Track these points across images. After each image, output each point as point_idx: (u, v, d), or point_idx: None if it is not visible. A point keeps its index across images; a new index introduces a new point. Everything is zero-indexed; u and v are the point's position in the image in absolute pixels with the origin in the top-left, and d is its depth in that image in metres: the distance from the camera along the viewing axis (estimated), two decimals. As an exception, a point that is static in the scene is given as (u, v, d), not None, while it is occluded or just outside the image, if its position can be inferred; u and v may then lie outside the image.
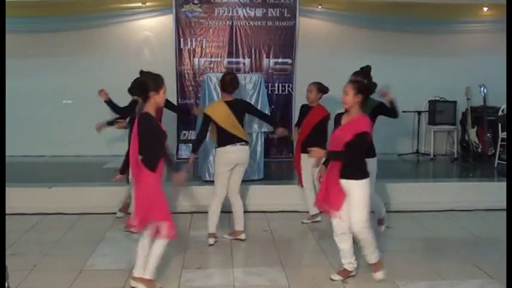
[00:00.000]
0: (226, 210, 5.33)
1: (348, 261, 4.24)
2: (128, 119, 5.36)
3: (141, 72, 4.36)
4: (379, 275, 4.26)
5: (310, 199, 5.62)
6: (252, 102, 6.49)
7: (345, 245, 4.21)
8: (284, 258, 4.79)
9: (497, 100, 8.28)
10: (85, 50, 8.50)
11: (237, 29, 8.42)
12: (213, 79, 6.82)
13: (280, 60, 8.51)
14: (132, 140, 3.85)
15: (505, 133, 7.69)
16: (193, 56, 8.43)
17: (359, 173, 4.05)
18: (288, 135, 5.92)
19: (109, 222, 5.80)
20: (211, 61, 8.45)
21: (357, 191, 4.04)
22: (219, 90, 6.80)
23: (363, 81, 4.42)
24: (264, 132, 6.95)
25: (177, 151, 8.53)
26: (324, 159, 4.25)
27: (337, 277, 4.24)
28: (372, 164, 4.56)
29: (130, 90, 5.16)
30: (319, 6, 8.69)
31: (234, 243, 5.17)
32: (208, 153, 6.58)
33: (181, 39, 8.39)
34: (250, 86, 6.96)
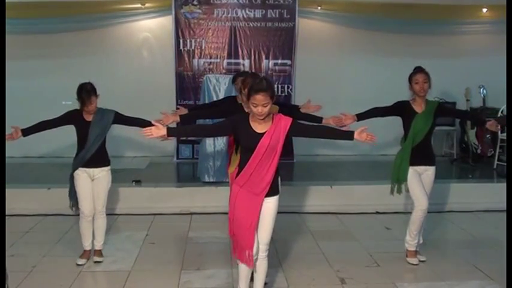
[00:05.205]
0: (224, 212, 5.31)
1: None
2: None
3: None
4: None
5: None
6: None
7: None
8: (283, 259, 4.80)
9: (496, 101, 8.28)
10: (84, 51, 8.49)
11: (237, 30, 8.42)
12: (213, 80, 6.83)
13: (279, 61, 8.52)
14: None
15: (505, 134, 7.69)
16: (193, 57, 8.44)
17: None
18: None
19: (108, 223, 5.79)
20: (210, 62, 8.46)
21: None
22: (218, 91, 6.83)
23: None
24: None
25: (177, 152, 8.54)
26: None
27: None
28: None
29: None
30: (319, 7, 8.69)
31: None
32: (208, 155, 6.58)
33: (181, 40, 8.39)
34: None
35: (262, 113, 3.39)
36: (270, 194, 3.55)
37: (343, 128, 4.23)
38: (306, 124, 3.81)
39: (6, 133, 4.40)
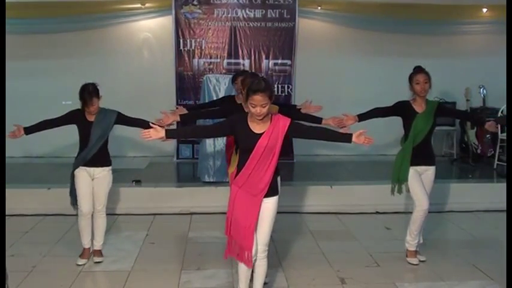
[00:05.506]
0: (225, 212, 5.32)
1: None
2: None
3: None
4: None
5: None
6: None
7: None
8: (283, 259, 4.80)
9: (496, 101, 8.28)
10: (84, 51, 8.49)
11: (237, 30, 8.42)
12: (213, 80, 6.82)
13: (279, 61, 8.52)
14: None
15: (505, 134, 7.69)
16: (193, 57, 8.44)
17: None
18: None
19: (108, 223, 5.79)
20: (210, 62, 8.46)
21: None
22: (218, 91, 6.83)
23: None
24: None
25: (177, 152, 8.54)
26: None
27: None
28: None
29: None
30: (319, 7, 8.69)
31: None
32: (208, 155, 6.58)
33: (181, 40, 8.40)
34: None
35: (261, 114, 3.38)
36: (269, 194, 3.54)
37: (343, 129, 4.23)
38: (304, 125, 3.80)
39: (9, 131, 4.42)
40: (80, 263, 4.63)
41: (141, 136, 3.63)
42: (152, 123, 4.09)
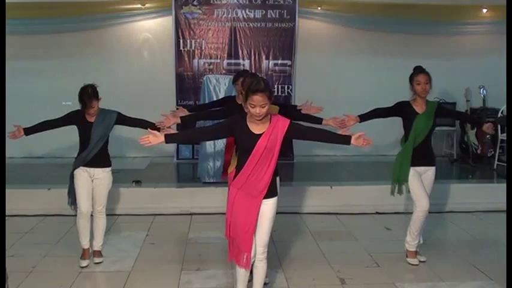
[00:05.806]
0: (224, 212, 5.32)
1: None
2: None
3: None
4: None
5: None
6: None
7: None
8: (283, 259, 4.80)
9: (496, 101, 8.28)
10: (84, 52, 8.49)
11: (237, 31, 8.42)
12: (213, 81, 6.82)
13: (279, 61, 8.52)
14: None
15: (505, 134, 7.69)
16: (193, 58, 8.44)
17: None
18: None
19: (108, 223, 5.80)
20: (210, 62, 8.46)
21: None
22: (218, 91, 6.83)
23: None
24: None
25: (177, 152, 8.54)
26: None
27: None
28: None
29: None
30: (319, 8, 8.69)
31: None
32: (208, 155, 6.58)
33: (181, 41, 8.40)
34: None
35: (260, 114, 3.37)
36: (268, 195, 3.53)
37: (344, 130, 4.23)
38: (303, 126, 3.78)
39: (9, 131, 4.42)
40: (83, 265, 4.62)
41: (140, 142, 3.62)
42: (152, 125, 4.09)
